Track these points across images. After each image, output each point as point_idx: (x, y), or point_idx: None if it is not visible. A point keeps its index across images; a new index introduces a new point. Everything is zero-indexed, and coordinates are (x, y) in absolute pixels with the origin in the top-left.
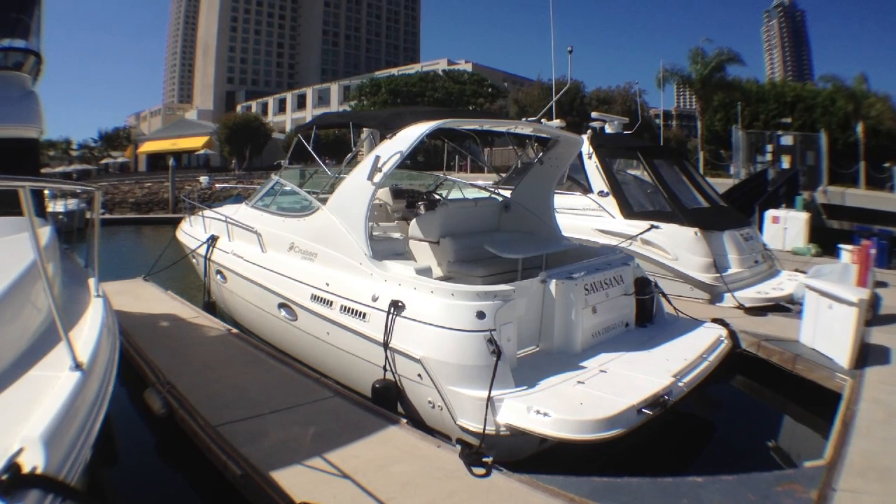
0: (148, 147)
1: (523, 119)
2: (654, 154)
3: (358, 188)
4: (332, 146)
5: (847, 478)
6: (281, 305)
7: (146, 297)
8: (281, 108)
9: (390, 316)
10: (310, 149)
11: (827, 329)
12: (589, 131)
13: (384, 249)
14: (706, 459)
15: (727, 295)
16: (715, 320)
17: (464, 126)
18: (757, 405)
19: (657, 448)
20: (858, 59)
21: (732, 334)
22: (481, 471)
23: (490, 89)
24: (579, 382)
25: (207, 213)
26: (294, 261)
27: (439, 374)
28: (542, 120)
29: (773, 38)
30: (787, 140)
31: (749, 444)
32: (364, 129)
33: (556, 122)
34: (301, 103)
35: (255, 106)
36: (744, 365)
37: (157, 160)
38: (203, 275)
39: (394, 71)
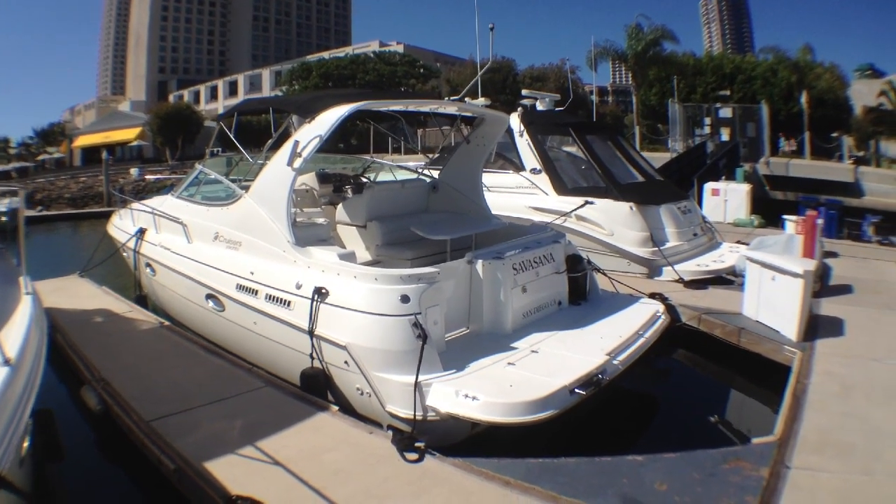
0: (82, 141)
1: (446, 98)
2: (586, 130)
3: (278, 174)
4: (265, 132)
5: (801, 454)
6: (208, 296)
7: (81, 294)
8: (213, 95)
9: (314, 303)
10: (231, 136)
11: (771, 301)
12: (520, 109)
13: (308, 236)
14: (651, 437)
15: (666, 269)
16: (653, 295)
17: (385, 107)
18: (702, 380)
19: (601, 426)
20: (803, 30)
21: (671, 308)
22: (414, 456)
23: (422, 70)
24: (510, 364)
25: (136, 205)
26: (219, 250)
27: (365, 361)
28: (466, 99)
29: (712, 12)
30: (725, 112)
31: (695, 421)
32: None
33: (481, 100)
34: (233, 90)
35: (186, 95)
36: (686, 339)
37: (91, 154)
38: (133, 268)
39: (325, 55)
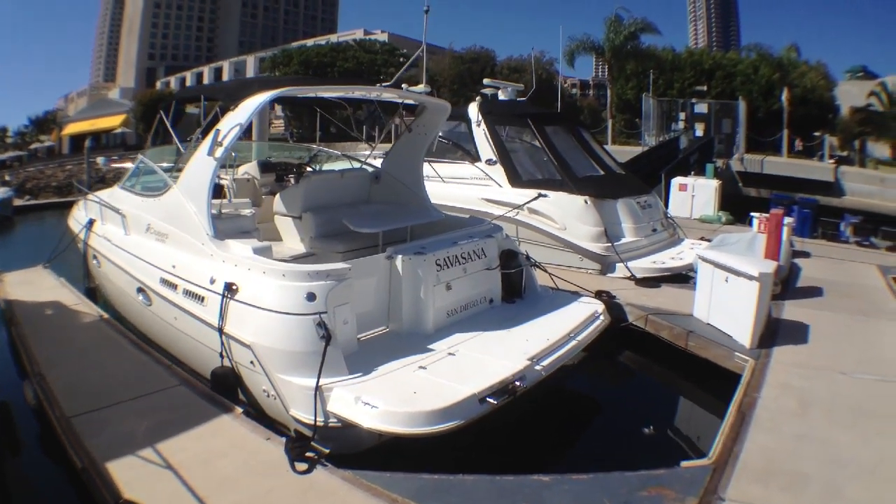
0: (70, 129)
1: (379, 85)
2: (545, 121)
3: (200, 165)
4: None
5: (739, 484)
6: (139, 290)
7: (42, 286)
8: (198, 82)
9: (224, 299)
10: (168, 124)
11: (724, 304)
12: (478, 98)
13: (230, 228)
14: (578, 449)
15: (619, 265)
16: (599, 293)
17: (311, 93)
18: (646, 386)
19: (527, 434)
20: (794, 34)
21: (616, 308)
22: (304, 466)
23: (402, 59)
24: (421, 368)
25: (90, 196)
26: (149, 242)
27: (268, 362)
28: (404, 85)
29: (700, 10)
30: (701, 108)
31: (629, 432)
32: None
33: (421, 86)
34: (217, 76)
35: (173, 81)
36: (633, 340)
37: (79, 142)
38: (83, 260)
39: (308, 42)
